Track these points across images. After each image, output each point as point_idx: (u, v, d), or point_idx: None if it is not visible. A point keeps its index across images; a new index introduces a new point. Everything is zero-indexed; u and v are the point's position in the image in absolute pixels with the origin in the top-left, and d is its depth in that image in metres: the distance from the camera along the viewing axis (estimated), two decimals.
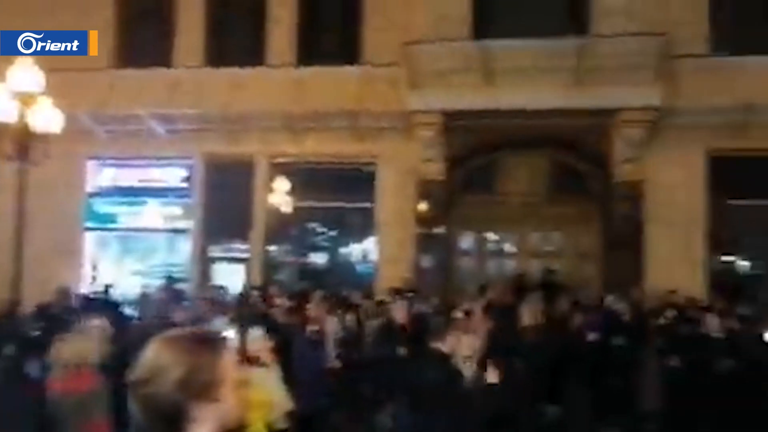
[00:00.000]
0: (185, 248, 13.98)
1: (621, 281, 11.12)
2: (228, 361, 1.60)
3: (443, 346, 4.98)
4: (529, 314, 7.70)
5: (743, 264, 12.95)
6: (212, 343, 1.62)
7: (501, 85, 11.47)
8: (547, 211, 12.80)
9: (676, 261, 11.64)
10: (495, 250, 13.60)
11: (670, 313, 8.75)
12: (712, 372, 6.21)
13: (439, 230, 12.57)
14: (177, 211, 14.03)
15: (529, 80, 11.30)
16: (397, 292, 9.43)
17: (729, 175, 12.16)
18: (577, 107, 11.39)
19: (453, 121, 11.92)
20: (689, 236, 11.98)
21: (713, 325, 6.60)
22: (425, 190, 12.44)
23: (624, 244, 11.96)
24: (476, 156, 12.91)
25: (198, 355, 1.55)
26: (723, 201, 12.22)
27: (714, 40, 12.36)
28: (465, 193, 13.07)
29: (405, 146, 12.52)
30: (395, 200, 12.79)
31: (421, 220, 12.48)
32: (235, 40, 14.22)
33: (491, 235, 13.60)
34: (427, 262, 12.51)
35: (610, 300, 9.18)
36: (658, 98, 11.39)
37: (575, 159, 12.89)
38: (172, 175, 14.07)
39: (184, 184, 13.94)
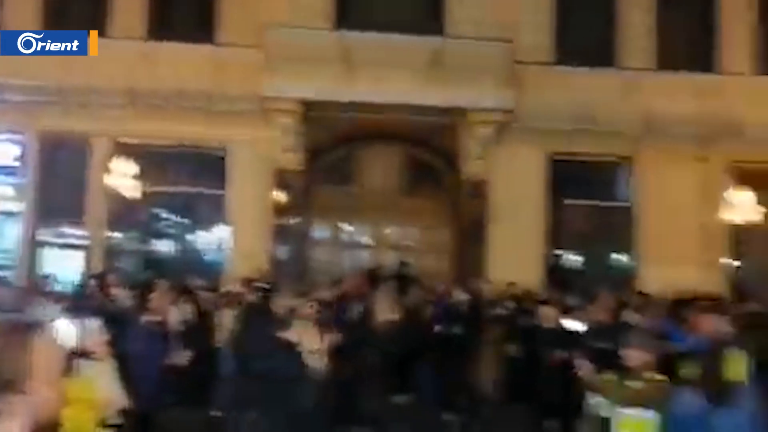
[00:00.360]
0: (14, 232, 12.66)
1: (469, 274, 11.69)
2: (41, 351, 1.43)
3: (290, 336, 4.91)
4: (382, 306, 7.82)
5: (576, 259, 14.16)
6: (21, 331, 1.44)
7: (359, 77, 11.56)
8: (402, 205, 13.15)
9: (517, 255, 12.42)
10: (351, 241, 13.74)
11: (509, 305, 9.30)
12: (545, 360, 6.65)
13: (296, 221, 12.44)
14: (7, 191, 12.70)
15: (387, 75, 11.49)
16: (250, 283, 9.17)
17: (566, 176, 13.27)
18: (430, 104, 11.79)
19: (311, 111, 11.84)
20: (529, 232, 12.86)
21: (548, 316, 7.07)
22: (282, 180, 12.24)
23: (471, 238, 12.58)
24: (334, 147, 12.96)
25: (3, 345, 1.37)
26: (560, 200, 13.28)
27: (558, 50, 13.39)
28: (323, 183, 13.06)
29: (261, 133, 12.20)
30: (250, 188, 12.45)
31: (278, 209, 12.27)
32: (76, 5, 13.04)
33: (348, 227, 13.72)
34: (282, 252, 12.33)
35: (456, 292, 9.55)
36: (507, 101, 12.08)
37: (429, 155, 13.35)
38: (2, 152, 12.69)
39: (16, 163, 12.60)
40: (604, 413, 4.14)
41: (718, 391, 3.53)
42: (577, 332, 6.00)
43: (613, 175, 13.96)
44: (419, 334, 7.81)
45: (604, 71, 13.43)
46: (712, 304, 9.81)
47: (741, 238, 13.24)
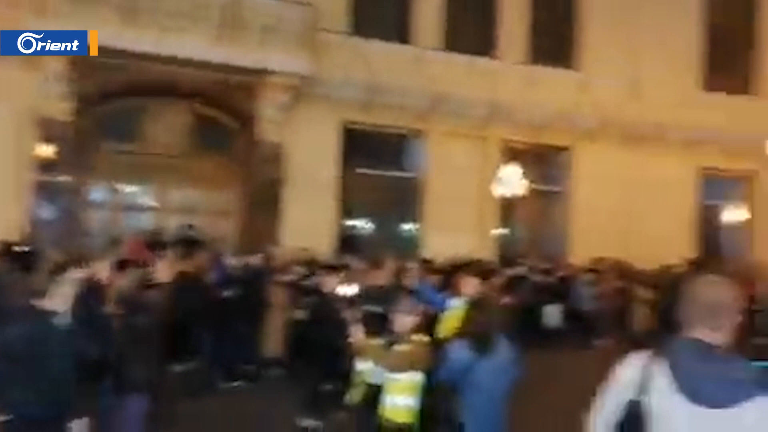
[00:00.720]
0: None
1: (261, 239, 11.48)
2: None
3: (52, 304, 4.35)
4: (163, 270, 7.36)
5: (366, 226, 14.64)
6: None
7: (144, 25, 10.62)
8: (188, 165, 12.46)
9: (310, 221, 12.48)
10: (130, 203, 12.70)
11: (298, 270, 9.32)
12: (324, 325, 6.69)
13: (66, 178, 11.17)
14: None
15: (176, 26, 10.73)
16: (5, 246, 8.07)
17: (359, 145, 13.58)
18: (223, 62, 11.25)
19: (86, 57, 10.60)
20: (322, 199, 12.98)
21: (330, 281, 7.12)
22: (49, 132, 10.85)
23: (264, 203, 12.35)
24: (113, 99, 11.78)
25: None
26: (352, 169, 13.56)
27: (355, 21, 13.55)
28: (98, 138, 11.87)
29: (22, 77, 10.68)
30: (6, 139, 10.86)
31: (43, 165, 10.90)
32: None
33: (127, 187, 12.65)
34: (48, 213, 11.02)
35: (245, 258, 9.31)
36: (304, 66, 11.95)
37: (221, 114, 12.78)
38: None
39: None
40: (373, 379, 4.14)
41: (480, 343, 3.90)
42: (354, 297, 6.13)
43: (403, 146, 14.61)
44: (198, 298, 7.49)
45: (398, 46, 13.91)
46: (482, 268, 10.84)
47: (509, 209, 14.68)
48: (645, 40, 15.19)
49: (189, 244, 10.05)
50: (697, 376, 2.06)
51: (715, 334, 2.14)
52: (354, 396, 4.39)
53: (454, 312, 5.05)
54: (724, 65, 16.32)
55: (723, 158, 15.70)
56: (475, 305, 4.31)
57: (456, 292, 5.38)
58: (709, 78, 16.13)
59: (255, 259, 8.86)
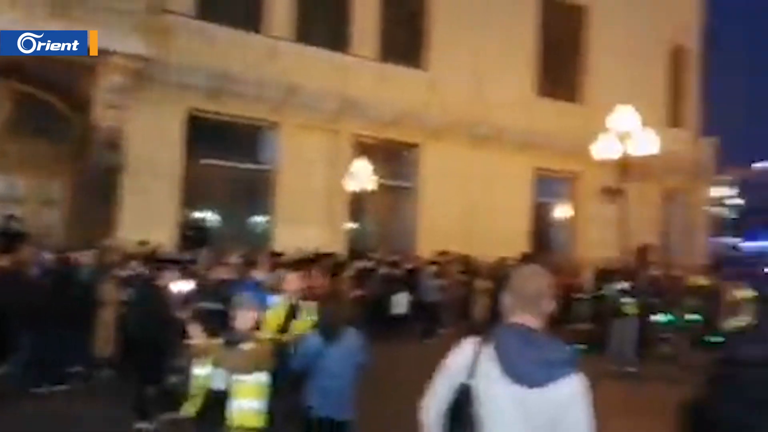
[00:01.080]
0: None
1: (93, 231, 10.60)
2: None
3: None
4: None
5: (212, 218, 14.10)
6: None
7: None
8: (10, 150, 11.23)
9: (150, 213, 11.76)
10: None
11: (134, 265, 8.75)
12: (158, 323, 6.29)
13: None
14: None
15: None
16: None
17: (204, 135, 13.00)
18: None
19: None
20: (164, 189, 12.29)
21: (166, 276, 6.72)
22: None
23: (99, 192, 11.43)
24: None
25: None
26: (197, 159, 12.97)
27: (201, 4, 12.99)
28: None
29: None
30: None
31: None
32: None
33: None
34: None
35: (70, 252, 8.52)
36: (143, 48, 11.18)
37: (50, 96, 11.64)
38: None
39: None
40: (214, 384, 3.81)
41: (329, 331, 4.19)
42: (189, 293, 5.81)
43: (254, 138, 14.24)
44: (17, 295, 6.78)
45: (249, 35, 13.51)
46: (332, 262, 10.88)
47: (360, 203, 14.86)
48: (489, 44, 16.07)
49: (9, 236, 9.10)
50: (518, 359, 2.16)
51: (535, 319, 2.26)
52: (190, 407, 3.93)
53: (275, 310, 4.95)
54: (557, 73, 17.72)
55: (554, 159, 17.04)
56: (325, 298, 4.53)
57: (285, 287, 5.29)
58: (543, 84, 17.41)
59: (86, 255, 8.09)
